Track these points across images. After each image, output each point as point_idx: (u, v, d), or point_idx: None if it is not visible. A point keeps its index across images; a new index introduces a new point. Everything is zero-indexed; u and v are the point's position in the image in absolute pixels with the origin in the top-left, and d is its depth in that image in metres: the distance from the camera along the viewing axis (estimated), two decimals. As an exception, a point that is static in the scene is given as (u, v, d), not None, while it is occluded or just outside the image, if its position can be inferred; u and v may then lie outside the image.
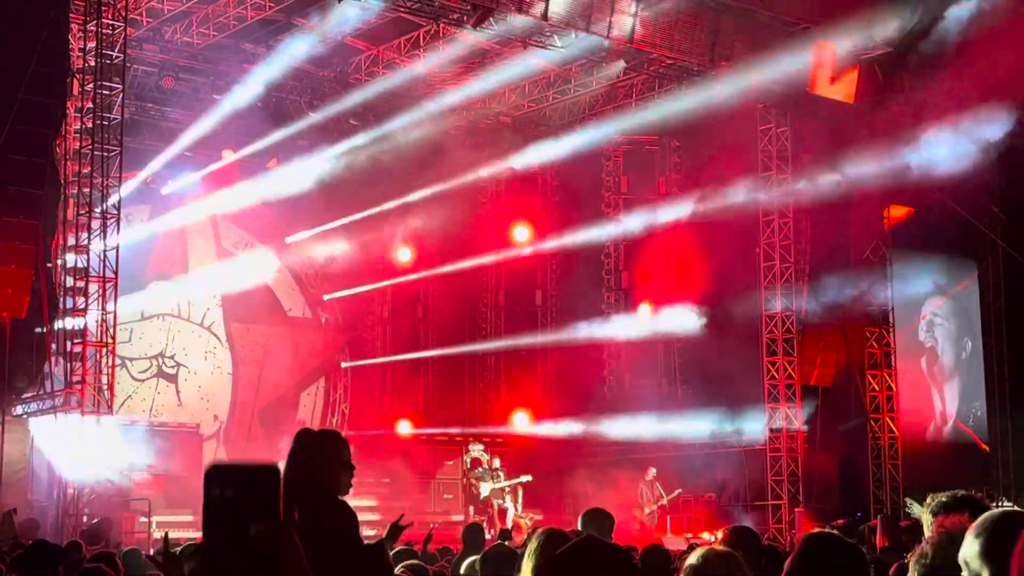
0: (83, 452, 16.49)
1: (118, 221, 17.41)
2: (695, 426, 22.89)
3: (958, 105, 20.14)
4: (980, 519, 2.80)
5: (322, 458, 5.50)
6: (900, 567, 7.48)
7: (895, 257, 23.55)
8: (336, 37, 21.49)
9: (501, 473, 21.24)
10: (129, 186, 18.77)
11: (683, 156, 24.98)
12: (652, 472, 21.70)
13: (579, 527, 8.42)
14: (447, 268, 24.59)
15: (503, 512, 20.57)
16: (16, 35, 16.82)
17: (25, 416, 17.67)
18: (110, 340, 17.16)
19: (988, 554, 2.67)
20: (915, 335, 24.46)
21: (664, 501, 21.39)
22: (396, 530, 6.81)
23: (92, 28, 17.20)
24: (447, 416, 23.73)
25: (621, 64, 21.72)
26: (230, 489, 3.81)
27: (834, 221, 22.60)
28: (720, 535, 7.91)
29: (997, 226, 23.96)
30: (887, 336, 23.29)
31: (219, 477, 3.88)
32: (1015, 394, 24.08)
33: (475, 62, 22.41)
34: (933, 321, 24.73)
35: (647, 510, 21.07)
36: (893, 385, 23.04)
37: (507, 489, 21.00)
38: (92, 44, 17.20)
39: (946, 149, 20.54)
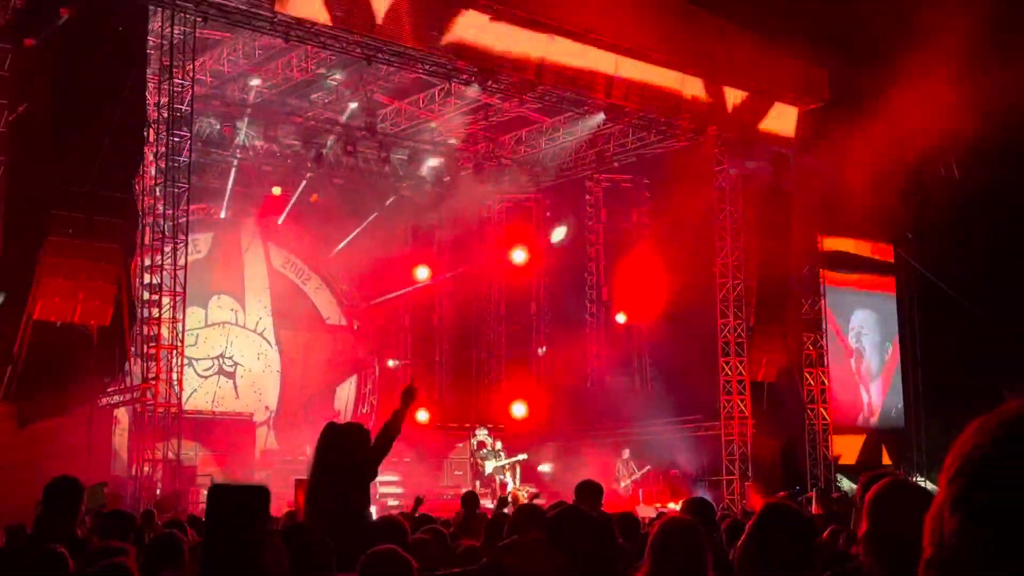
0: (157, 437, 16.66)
1: (186, 245, 17.52)
2: (662, 415, 22.95)
3: (876, 150, 20.13)
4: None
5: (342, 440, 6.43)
6: (833, 532, 7.55)
7: (827, 275, 23.73)
8: (366, 93, 21.52)
9: (502, 453, 21.26)
10: (195, 216, 18.89)
11: (652, 191, 24.96)
12: (626, 452, 21.89)
13: (575, 497, 8.53)
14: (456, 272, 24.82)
15: (504, 486, 20.50)
16: (104, 91, 16.86)
17: (109, 406, 17.63)
18: (179, 344, 17.36)
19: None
20: (845, 340, 24.57)
21: (636, 476, 21.43)
22: (410, 392, 7.17)
23: (165, 86, 17.42)
24: (457, 407, 23.90)
25: (601, 116, 21.73)
26: (228, 505, 4.12)
27: (777, 245, 22.60)
28: (681, 505, 8.05)
29: (911, 248, 24.15)
30: (821, 341, 23.39)
31: (219, 494, 4.23)
32: (927, 390, 24.44)
33: (481, 113, 22.46)
34: (860, 331, 24.87)
35: (623, 484, 21.18)
36: (826, 381, 23.24)
37: (507, 466, 21.03)
38: (165, 99, 17.40)
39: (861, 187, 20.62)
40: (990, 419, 1.25)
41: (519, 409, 23.94)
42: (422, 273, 24.15)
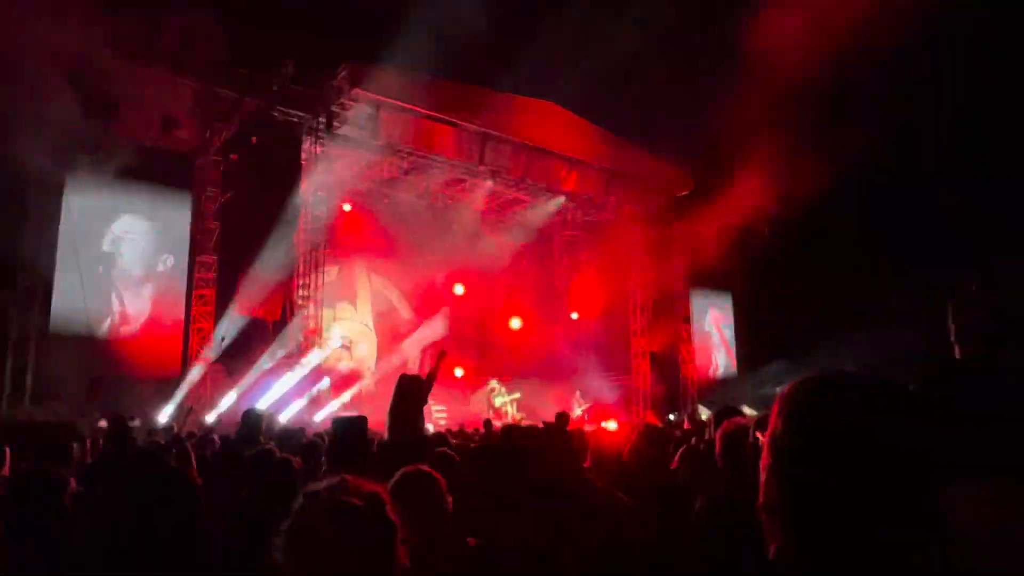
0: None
1: (324, 274, 17.69)
2: (599, 370, 22.89)
3: (722, 216, 20.33)
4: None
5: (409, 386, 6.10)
6: (696, 437, 6.89)
7: (694, 290, 24.05)
8: (428, 186, 21.49)
9: (505, 393, 21.29)
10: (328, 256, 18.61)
11: (597, 243, 24.54)
12: (578, 392, 22.02)
13: (554, 420, 8.74)
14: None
15: (505, 414, 20.38)
16: (276, 183, 17.11)
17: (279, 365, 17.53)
18: (320, 330, 17.41)
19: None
20: (703, 328, 24.90)
21: (585, 407, 21.48)
22: (441, 355, 6.44)
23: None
24: (480, 365, 23.40)
25: (562, 199, 21.87)
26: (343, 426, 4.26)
27: (666, 271, 22.98)
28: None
29: (738, 279, 24.32)
30: (689, 327, 23.60)
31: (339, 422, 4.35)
32: (750, 357, 24.56)
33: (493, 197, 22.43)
34: (711, 321, 25.16)
35: (576, 412, 20.93)
36: (691, 351, 23.43)
37: (508, 401, 21.02)
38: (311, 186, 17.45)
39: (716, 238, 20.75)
40: (785, 392, 1.13)
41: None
42: (458, 289, 23.84)
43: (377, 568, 1.47)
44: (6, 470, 3.65)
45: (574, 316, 24.96)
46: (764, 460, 1.11)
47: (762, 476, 1.10)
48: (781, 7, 15.13)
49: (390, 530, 1.52)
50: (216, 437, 7.96)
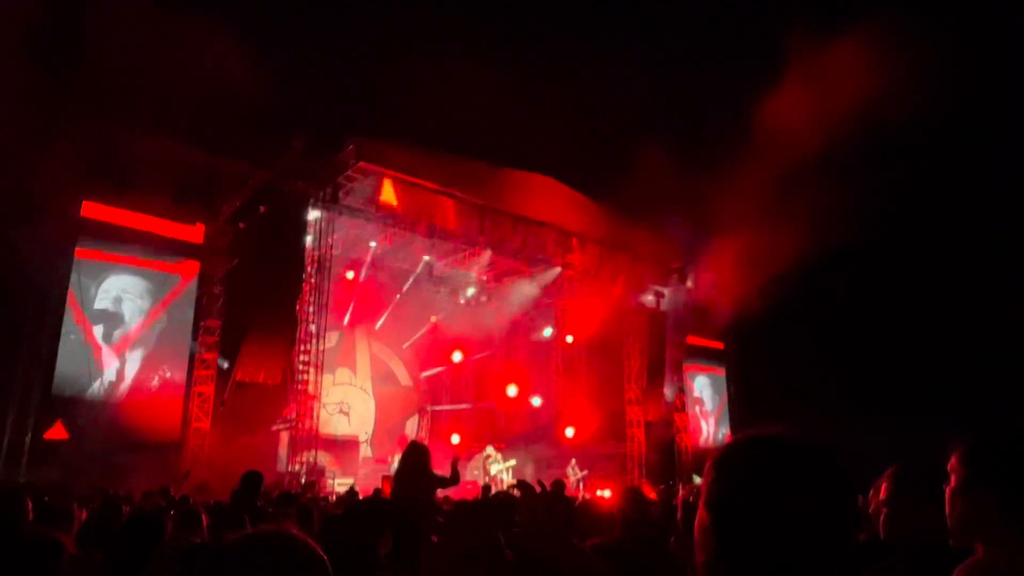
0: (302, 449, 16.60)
1: (324, 340, 17.56)
2: (593, 441, 22.09)
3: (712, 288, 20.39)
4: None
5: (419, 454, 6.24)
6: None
7: (688, 359, 23.84)
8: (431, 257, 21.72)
9: (501, 460, 20.80)
10: (329, 322, 18.62)
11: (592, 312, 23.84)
12: (573, 461, 21.09)
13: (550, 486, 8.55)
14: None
15: (501, 481, 19.81)
16: (281, 253, 17.15)
17: (276, 430, 17.58)
18: (318, 394, 17.24)
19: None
20: (696, 396, 24.37)
21: (580, 476, 20.47)
22: (455, 462, 6.91)
23: (315, 253, 17.67)
24: (476, 434, 23.30)
25: (558, 269, 21.97)
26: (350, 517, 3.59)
27: (660, 340, 22.81)
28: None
29: (729, 348, 24.17)
30: (683, 397, 23.20)
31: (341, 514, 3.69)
32: (742, 428, 23.52)
33: (491, 267, 22.53)
34: (703, 391, 24.83)
35: (572, 481, 20.03)
36: (685, 420, 23.16)
37: (503, 468, 20.54)
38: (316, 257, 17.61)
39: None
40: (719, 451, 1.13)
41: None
42: (456, 356, 23.72)
43: None
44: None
45: (569, 433, 23.55)
46: (699, 516, 1.11)
47: (696, 535, 1.11)
48: (780, 91, 15.62)
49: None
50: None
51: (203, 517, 4.04)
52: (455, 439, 21.89)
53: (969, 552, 1.45)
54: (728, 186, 17.38)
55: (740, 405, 24.77)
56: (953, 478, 1.49)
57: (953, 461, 1.51)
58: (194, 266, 16.75)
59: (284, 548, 1.26)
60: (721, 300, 20.27)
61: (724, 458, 1.11)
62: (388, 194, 17.95)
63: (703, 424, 24.65)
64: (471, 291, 23.96)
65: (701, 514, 1.10)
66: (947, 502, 1.50)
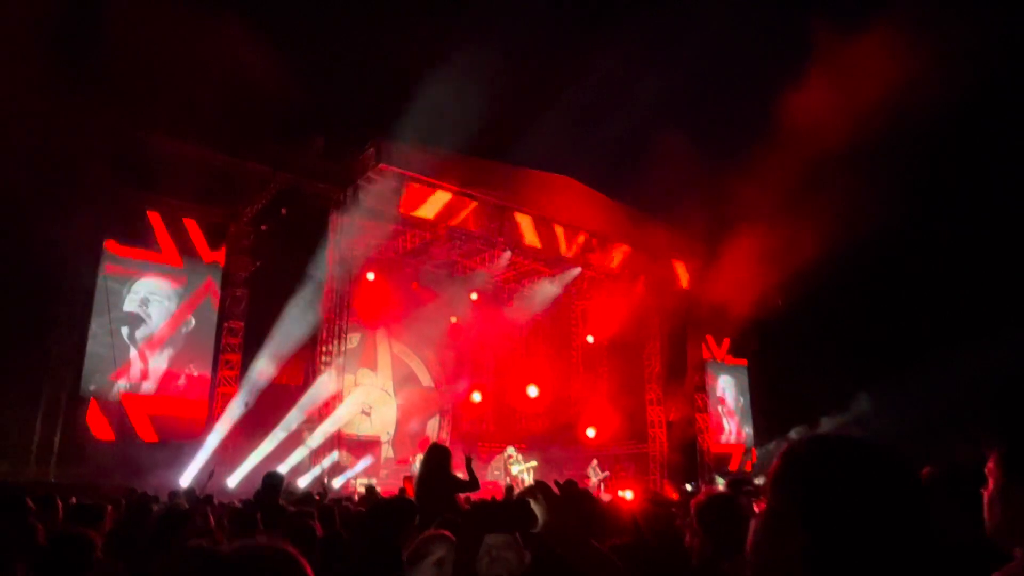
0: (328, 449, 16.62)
1: (346, 342, 17.59)
2: (614, 441, 22.29)
3: (736, 288, 19.95)
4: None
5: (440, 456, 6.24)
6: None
7: (709, 360, 23.70)
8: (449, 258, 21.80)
9: (522, 461, 20.59)
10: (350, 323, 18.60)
11: (612, 312, 23.93)
12: (594, 461, 21.07)
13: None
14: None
15: (522, 482, 19.49)
16: (304, 255, 17.29)
17: (297, 430, 17.29)
18: (341, 395, 17.29)
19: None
20: (718, 397, 24.40)
21: (602, 477, 20.43)
22: (469, 459, 6.72)
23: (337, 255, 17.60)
24: (497, 434, 23.26)
25: (577, 270, 21.79)
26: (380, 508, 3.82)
27: (681, 340, 22.65)
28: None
29: (753, 346, 24.05)
30: (705, 397, 23.18)
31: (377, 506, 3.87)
32: (765, 426, 23.87)
33: (511, 268, 22.46)
34: (725, 390, 24.67)
35: (592, 482, 20.05)
36: (707, 420, 22.93)
37: (524, 469, 20.39)
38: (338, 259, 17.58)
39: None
40: (783, 452, 1.15)
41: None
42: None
43: None
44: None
45: (590, 433, 23.70)
46: (766, 515, 1.11)
47: (760, 534, 1.10)
48: (802, 87, 15.40)
49: None
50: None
51: (211, 519, 3.97)
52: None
53: (1002, 556, 1.43)
54: (750, 182, 17.19)
55: (764, 405, 24.40)
56: (991, 481, 1.47)
57: (990, 464, 1.48)
58: (218, 268, 16.90)
59: (273, 565, 1.27)
60: (744, 298, 19.95)
61: (809, 458, 1.09)
62: (408, 195, 17.94)
63: (725, 423, 24.39)
64: (491, 292, 23.89)
65: (775, 511, 1.09)
66: (985, 506, 1.47)
